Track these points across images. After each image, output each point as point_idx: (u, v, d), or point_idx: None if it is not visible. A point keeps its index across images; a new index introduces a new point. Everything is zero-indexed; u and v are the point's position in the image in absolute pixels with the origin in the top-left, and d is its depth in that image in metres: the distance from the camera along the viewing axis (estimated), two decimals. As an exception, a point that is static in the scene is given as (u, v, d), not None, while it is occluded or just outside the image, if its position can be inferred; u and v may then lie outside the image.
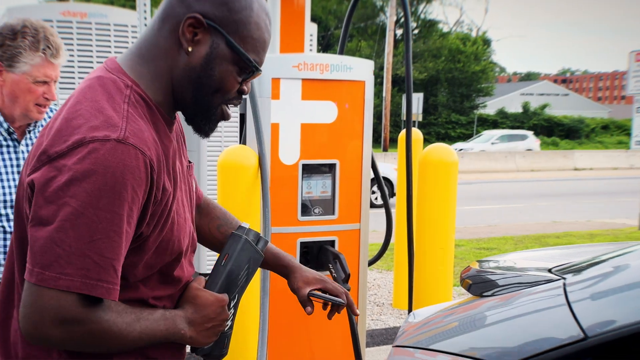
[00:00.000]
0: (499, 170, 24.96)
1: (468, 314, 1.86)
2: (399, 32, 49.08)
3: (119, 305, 1.30)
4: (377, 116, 40.17)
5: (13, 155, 2.43)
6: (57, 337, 1.25)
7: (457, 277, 5.46)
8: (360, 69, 3.45)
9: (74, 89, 2.93)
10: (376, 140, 30.66)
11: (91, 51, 5.29)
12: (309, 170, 3.40)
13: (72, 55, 5.13)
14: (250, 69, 1.37)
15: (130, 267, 1.33)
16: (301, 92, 3.33)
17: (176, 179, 1.40)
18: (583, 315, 1.47)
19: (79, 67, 5.27)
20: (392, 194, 15.88)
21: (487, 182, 21.29)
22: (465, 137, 43.43)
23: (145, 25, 4.30)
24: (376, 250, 4.34)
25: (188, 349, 1.52)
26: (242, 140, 3.46)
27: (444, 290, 3.75)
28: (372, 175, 3.90)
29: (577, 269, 1.77)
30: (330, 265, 3.38)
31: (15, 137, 2.43)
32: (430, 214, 3.83)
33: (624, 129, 46.49)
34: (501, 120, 46.05)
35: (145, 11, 4.21)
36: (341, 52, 4.10)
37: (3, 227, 2.37)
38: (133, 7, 5.32)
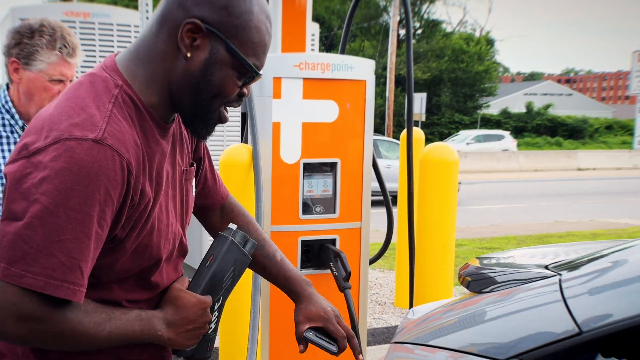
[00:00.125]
0: (501, 170, 24.97)
1: (466, 311, 1.88)
2: (402, 32, 49.10)
3: (88, 304, 1.29)
4: (381, 116, 40.18)
5: None
6: (19, 333, 1.23)
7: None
8: (361, 68, 3.47)
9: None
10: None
11: (94, 51, 5.31)
12: (310, 169, 3.42)
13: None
14: (250, 74, 1.35)
15: (103, 269, 1.32)
16: (302, 91, 3.34)
17: (160, 183, 1.38)
18: (578, 311, 1.48)
19: (82, 66, 5.29)
20: None
21: (490, 182, 21.29)
22: (469, 137, 43.44)
23: (148, 24, 4.32)
24: (378, 250, 4.36)
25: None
26: (244, 139, 3.48)
27: (445, 289, 3.77)
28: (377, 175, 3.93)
29: (572, 266, 1.78)
30: (331, 263, 3.40)
31: None
32: (431, 212, 3.85)
33: (628, 129, 46.41)
34: (504, 120, 46.01)
35: (147, 11, 4.24)
36: (342, 52, 4.11)
37: None
38: (136, 7, 5.34)
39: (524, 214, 13.91)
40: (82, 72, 5.16)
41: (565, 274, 1.69)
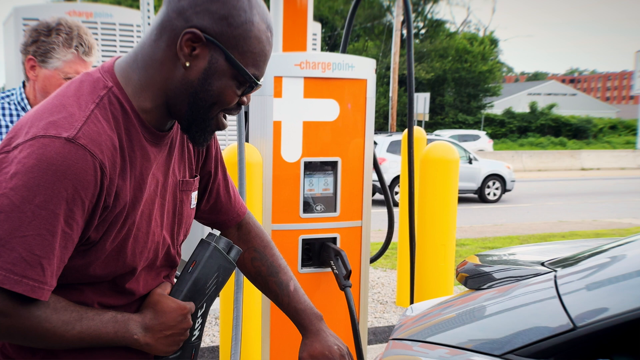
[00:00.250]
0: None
1: (463, 307, 1.89)
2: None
3: (59, 302, 1.28)
4: (384, 116, 40.18)
5: None
6: None
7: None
8: (361, 67, 3.48)
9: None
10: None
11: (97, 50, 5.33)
12: (311, 167, 3.43)
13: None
14: (250, 84, 1.34)
15: (76, 271, 1.31)
16: (303, 90, 3.36)
17: (142, 189, 1.36)
18: (572, 306, 1.49)
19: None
20: (505, 190, 16.57)
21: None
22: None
23: (149, 24, 4.34)
24: (379, 249, 4.37)
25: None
26: (245, 137, 3.49)
27: (445, 287, 3.78)
28: (381, 175, 3.94)
29: (568, 262, 1.79)
30: (332, 262, 3.42)
31: None
32: (432, 211, 3.86)
33: (632, 129, 46.34)
34: (508, 120, 45.96)
35: (148, 10, 4.25)
36: (343, 51, 4.12)
37: None
38: (139, 7, 5.37)
39: (527, 214, 13.91)
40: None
41: (561, 271, 1.70)
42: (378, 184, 4.14)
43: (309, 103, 3.38)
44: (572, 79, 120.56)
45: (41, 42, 2.32)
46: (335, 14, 43.30)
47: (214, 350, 4.78)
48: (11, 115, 2.45)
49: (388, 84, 36.39)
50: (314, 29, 5.84)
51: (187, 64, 1.29)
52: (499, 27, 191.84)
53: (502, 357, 1.52)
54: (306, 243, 3.47)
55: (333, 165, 3.47)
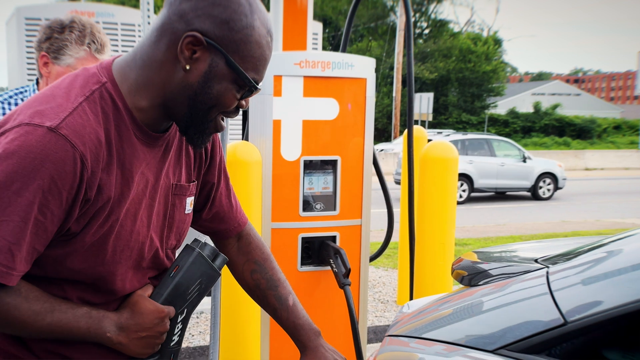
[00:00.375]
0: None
1: (458, 304, 1.91)
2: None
3: (31, 292, 1.30)
4: (388, 116, 40.15)
5: None
6: None
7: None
8: (361, 66, 3.49)
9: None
10: (387, 140, 30.52)
11: (99, 50, 5.34)
12: (311, 166, 3.45)
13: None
14: (249, 88, 1.34)
15: (53, 261, 1.32)
16: (303, 89, 3.37)
17: (129, 187, 1.36)
18: (563, 302, 1.51)
19: (87, 65, 5.33)
20: (557, 188, 17.01)
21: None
22: (476, 137, 43.30)
23: (149, 24, 4.36)
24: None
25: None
26: (245, 136, 3.51)
27: (444, 285, 3.79)
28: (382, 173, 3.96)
29: (560, 259, 1.81)
30: (331, 260, 3.43)
31: None
32: (431, 209, 3.87)
33: (636, 129, 46.22)
34: (512, 120, 45.88)
35: (148, 10, 4.27)
36: (343, 50, 4.14)
37: None
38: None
39: (531, 214, 13.90)
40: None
41: (552, 267, 1.72)
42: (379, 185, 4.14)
43: (308, 102, 3.39)
44: (576, 79, 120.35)
45: (54, 39, 2.34)
46: (339, 14, 43.27)
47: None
48: None
49: (392, 84, 36.38)
50: (315, 29, 5.85)
51: (188, 67, 1.30)
52: (502, 27, 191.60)
53: (494, 352, 1.54)
54: (306, 241, 3.49)
55: (333, 164, 3.49)
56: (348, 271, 3.36)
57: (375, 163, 3.85)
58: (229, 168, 3.51)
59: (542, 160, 17.74)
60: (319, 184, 3.49)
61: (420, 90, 39.04)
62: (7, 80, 6.03)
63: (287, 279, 1.74)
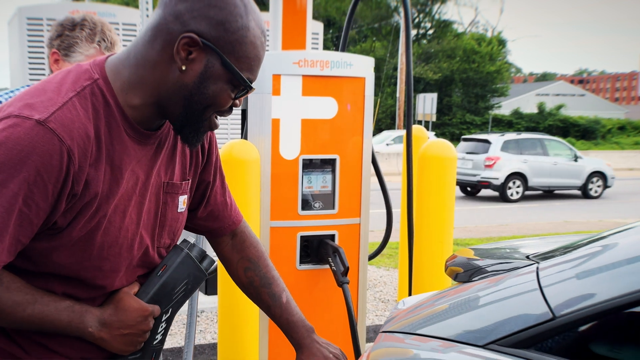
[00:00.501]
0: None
1: (451, 300, 1.92)
2: (414, 32, 48.99)
3: (14, 282, 1.31)
4: (391, 117, 40.15)
5: None
6: None
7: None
8: (360, 65, 3.50)
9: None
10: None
11: (100, 49, 5.37)
12: (310, 165, 3.46)
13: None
14: (244, 87, 1.37)
15: (39, 254, 1.33)
16: (302, 88, 3.38)
17: (118, 183, 1.36)
18: (552, 297, 1.53)
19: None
20: (606, 186, 17.56)
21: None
22: (480, 138, 43.27)
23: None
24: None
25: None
26: (244, 135, 3.52)
27: (443, 283, 3.80)
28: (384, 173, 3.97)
29: (550, 255, 1.83)
30: (330, 258, 3.44)
31: None
32: (428, 208, 3.88)
33: (641, 130, 46.15)
34: (516, 120, 45.81)
35: (147, 9, 4.29)
36: (342, 49, 4.14)
37: None
38: (143, 7, 5.40)
39: (534, 214, 13.90)
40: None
41: (543, 263, 1.74)
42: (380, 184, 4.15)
43: (307, 101, 3.40)
44: (580, 79, 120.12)
45: (65, 36, 2.36)
46: (343, 15, 43.24)
47: (215, 347, 4.82)
48: None
49: (395, 84, 36.41)
50: (316, 29, 5.87)
51: (184, 68, 1.31)
52: (507, 27, 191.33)
53: (485, 347, 1.55)
54: (304, 240, 3.50)
55: (331, 162, 3.50)
56: (346, 269, 3.37)
57: (374, 162, 3.86)
58: (226, 166, 3.53)
59: (592, 159, 18.33)
60: (318, 182, 3.51)
61: (423, 90, 39.06)
62: (10, 79, 6.06)
63: (285, 278, 1.77)
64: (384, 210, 4.07)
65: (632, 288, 1.40)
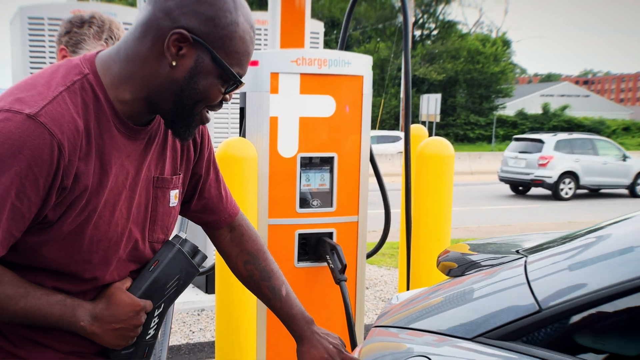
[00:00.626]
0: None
1: (441, 294, 1.93)
2: (417, 32, 49.01)
3: (6, 276, 1.32)
4: (395, 117, 40.16)
5: None
6: None
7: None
8: (358, 64, 3.51)
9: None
10: (394, 140, 30.48)
11: (102, 49, 5.39)
12: (308, 163, 3.47)
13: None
14: (234, 82, 1.38)
15: (30, 248, 1.34)
16: (300, 86, 3.39)
17: (108, 178, 1.37)
18: (539, 290, 1.54)
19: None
20: None
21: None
22: (484, 139, 43.26)
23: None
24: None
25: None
26: (242, 133, 3.54)
27: (439, 281, 3.81)
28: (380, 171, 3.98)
29: (539, 249, 1.84)
30: (328, 256, 3.45)
31: None
32: (426, 206, 3.89)
33: (646, 131, 46.02)
34: (520, 121, 45.77)
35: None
36: (341, 48, 4.16)
37: None
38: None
39: (538, 215, 13.88)
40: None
41: (531, 257, 1.75)
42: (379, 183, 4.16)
43: (305, 99, 3.41)
44: (585, 80, 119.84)
45: (73, 33, 2.38)
46: (347, 16, 43.26)
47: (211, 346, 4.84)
48: None
49: (399, 85, 36.35)
50: (316, 28, 5.88)
51: (174, 63, 1.32)
52: (511, 28, 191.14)
53: (473, 340, 1.57)
54: (302, 238, 3.51)
55: (329, 161, 3.51)
56: (344, 267, 3.39)
57: (372, 160, 3.86)
58: (222, 164, 3.55)
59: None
60: (316, 180, 3.52)
61: (428, 91, 39.04)
62: (12, 79, 6.09)
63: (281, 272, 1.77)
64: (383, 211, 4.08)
65: (617, 280, 1.42)
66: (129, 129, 1.40)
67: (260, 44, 6.02)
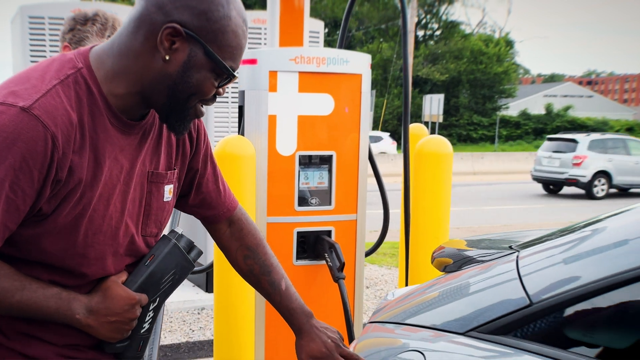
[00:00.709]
0: (520, 172, 24.84)
1: (435, 290, 1.94)
2: (420, 33, 48.99)
3: (2, 269, 1.33)
4: (398, 117, 40.13)
5: None
6: None
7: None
8: (356, 62, 3.51)
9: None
10: (397, 141, 30.53)
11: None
12: (306, 161, 3.48)
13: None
14: (227, 76, 1.39)
15: (26, 242, 1.34)
16: (298, 84, 3.40)
17: (102, 171, 1.38)
18: (530, 284, 1.55)
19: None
20: None
21: (508, 183, 21.20)
22: (487, 139, 43.23)
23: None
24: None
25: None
26: (241, 131, 3.55)
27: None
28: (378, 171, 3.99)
29: (531, 244, 1.85)
30: (326, 254, 3.46)
31: None
32: (424, 205, 3.90)
33: (649, 131, 45.92)
34: (524, 121, 45.72)
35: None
36: (340, 47, 4.16)
37: None
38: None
39: (540, 215, 13.87)
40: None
41: (522, 252, 1.76)
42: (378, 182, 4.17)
43: (303, 97, 3.42)
44: (589, 80, 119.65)
45: (77, 30, 2.39)
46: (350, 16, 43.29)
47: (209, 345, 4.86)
48: None
49: (402, 85, 36.32)
50: (315, 27, 5.89)
51: (167, 57, 1.33)
52: (514, 28, 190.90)
53: (465, 334, 1.58)
54: (301, 236, 3.51)
55: (328, 159, 3.51)
56: (342, 265, 3.39)
57: (371, 159, 3.87)
58: (221, 162, 3.55)
59: None
60: (315, 179, 3.52)
61: (430, 91, 38.97)
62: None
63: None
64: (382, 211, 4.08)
65: (607, 273, 1.42)
66: (122, 124, 1.41)
67: (260, 43, 6.03)
